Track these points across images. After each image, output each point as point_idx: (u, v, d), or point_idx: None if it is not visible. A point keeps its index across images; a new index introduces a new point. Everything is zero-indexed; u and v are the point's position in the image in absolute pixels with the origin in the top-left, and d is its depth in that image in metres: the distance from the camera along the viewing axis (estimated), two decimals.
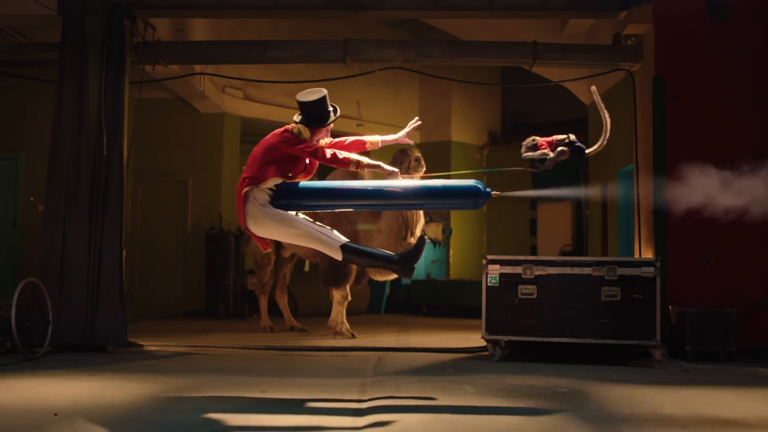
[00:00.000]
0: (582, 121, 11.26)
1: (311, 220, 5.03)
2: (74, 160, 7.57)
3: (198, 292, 11.72)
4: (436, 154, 13.33)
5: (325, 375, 5.94)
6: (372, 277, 8.70)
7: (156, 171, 11.76)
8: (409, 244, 8.07)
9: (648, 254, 7.62)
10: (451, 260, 14.21)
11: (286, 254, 9.66)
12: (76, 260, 7.39)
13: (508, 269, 6.79)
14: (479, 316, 6.83)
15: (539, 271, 6.75)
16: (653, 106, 7.66)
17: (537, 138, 5.63)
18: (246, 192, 4.88)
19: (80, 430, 3.98)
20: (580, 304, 6.65)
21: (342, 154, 4.96)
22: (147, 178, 11.67)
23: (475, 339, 7.55)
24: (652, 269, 6.58)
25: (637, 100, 8.08)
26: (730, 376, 6.05)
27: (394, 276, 8.60)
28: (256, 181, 4.89)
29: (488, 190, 4.96)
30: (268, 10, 8.35)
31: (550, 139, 5.54)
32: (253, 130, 13.12)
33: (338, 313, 8.63)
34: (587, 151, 5.63)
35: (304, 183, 5.05)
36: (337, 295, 8.63)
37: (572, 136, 5.53)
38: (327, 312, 8.88)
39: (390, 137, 5.30)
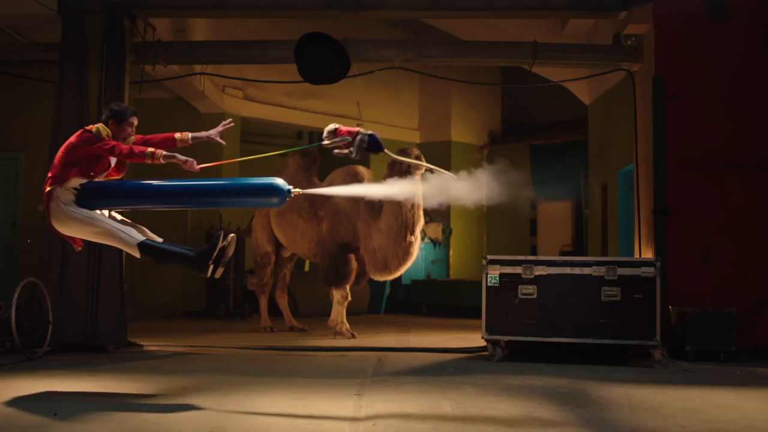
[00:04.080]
0: (582, 121, 11.27)
1: (120, 218, 5.16)
2: None
3: (198, 292, 11.71)
4: (436, 154, 13.31)
5: (325, 375, 5.94)
6: (372, 277, 8.70)
7: (156, 171, 11.75)
8: (409, 243, 8.07)
9: (648, 254, 7.62)
10: (451, 260, 14.20)
11: (286, 254, 9.66)
12: (76, 260, 7.39)
13: (508, 269, 6.79)
14: (479, 316, 6.83)
15: (539, 271, 6.74)
16: (653, 106, 7.66)
17: (339, 126, 5.76)
18: (49, 191, 4.99)
19: (80, 430, 3.98)
20: (580, 304, 6.65)
21: (138, 148, 5.03)
22: (147, 177, 11.60)
23: (475, 339, 7.55)
24: (652, 269, 6.57)
25: (637, 100, 8.08)
26: (730, 376, 6.05)
27: (394, 276, 8.59)
28: (59, 180, 5.00)
29: (288, 188, 4.99)
30: (268, 10, 8.36)
31: (352, 129, 5.65)
32: (253, 130, 13.13)
33: (338, 313, 8.63)
34: (391, 154, 5.86)
35: (107, 182, 5.16)
36: (337, 295, 8.63)
37: (371, 132, 5.67)
38: (327, 312, 8.88)
39: (201, 134, 5.35)
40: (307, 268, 13.20)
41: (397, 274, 8.54)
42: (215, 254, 4.99)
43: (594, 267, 6.69)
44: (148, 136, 5.32)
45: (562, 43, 8.95)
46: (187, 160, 5.04)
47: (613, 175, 9.52)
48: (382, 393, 5.02)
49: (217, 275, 5.13)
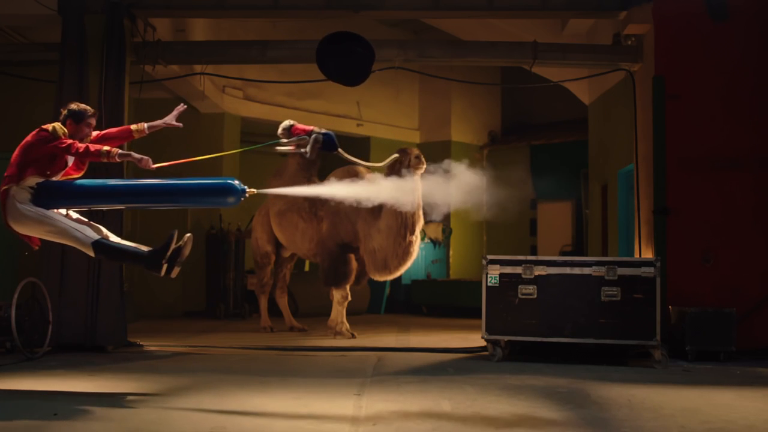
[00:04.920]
0: (582, 121, 11.27)
1: (76, 216, 5.19)
2: None
3: (198, 292, 11.71)
4: (436, 155, 13.29)
5: (325, 375, 5.94)
6: (372, 277, 8.70)
7: (156, 171, 11.73)
8: (409, 243, 8.07)
9: (648, 254, 7.62)
10: (451, 260, 14.20)
11: (286, 254, 9.66)
12: (76, 260, 7.39)
13: (508, 269, 6.79)
14: (479, 316, 6.83)
15: (539, 271, 6.74)
16: (653, 106, 7.66)
17: (294, 122, 5.77)
18: (5, 190, 5.02)
19: (80, 430, 3.98)
20: (580, 304, 6.64)
21: (94, 146, 5.07)
22: (147, 177, 11.63)
23: (475, 339, 7.55)
24: (652, 269, 6.57)
25: (637, 100, 8.07)
26: (730, 376, 6.05)
27: (394, 275, 8.59)
28: (15, 179, 5.03)
29: (243, 187, 5.02)
30: (268, 10, 8.36)
31: (308, 127, 5.66)
32: (253, 130, 13.13)
33: (338, 313, 8.63)
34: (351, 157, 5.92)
35: (63, 182, 5.18)
36: (337, 295, 8.63)
37: (327, 131, 5.68)
38: (327, 312, 8.88)
39: (157, 122, 5.41)
40: (307, 268, 13.19)
41: (397, 274, 8.53)
42: (168, 254, 5.03)
43: (594, 267, 6.69)
44: (105, 131, 5.38)
45: (562, 43, 8.95)
46: (141, 158, 5.10)
47: (613, 175, 9.52)
48: (382, 393, 5.02)
49: (173, 275, 5.17)
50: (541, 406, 4.60)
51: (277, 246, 9.52)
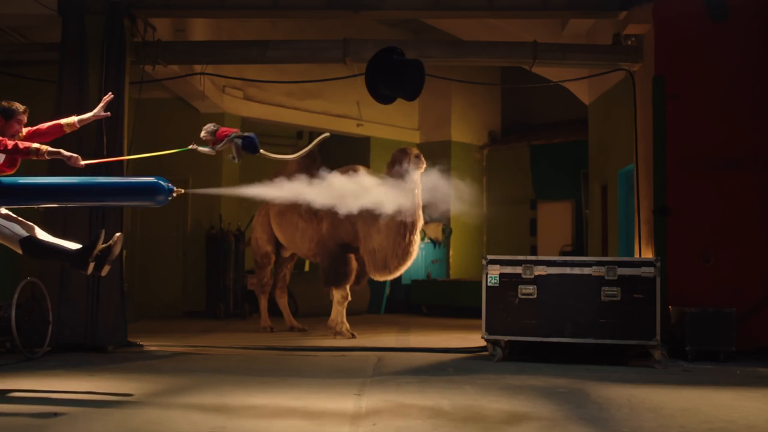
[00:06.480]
0: (582, 121, 11.27)
1: (5, 212, 5.19)
2: None
3: (198, 292, 11.71)
4: (436, 155, 13.30)
5: (325, 375, 5.94)
6: (372, 277, 8.70)
7: (156, 171, 11.71)
8: (409, 243, 8.07)
9: (648, 254, 7.62)
10: (451, 260, 14.19)
11: (286, 254, 9.66)
12: None
13: (508, 269, 6.79)
14: (479, 316, 6.83)
15: (539, 271, 6.74)
16: (653, 106, 7.66)
17: (219, 127, 5.82)
18: None
19: (80, 430, 3.98)
20: (580, 304, 6.64)
21: (24, 144, 5.07)
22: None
23: (475, 339, 7.55)
24: (652, 269, 6.57)
25: (637, 100, 8.07)
26: (730, 376, 6.05)
27: (394, 275, 8.59)
28: None
29: (171, 187, 5.05)
30: (268, 10, 8.36)
31: (229, 130, 5.72)
32: (253, 130, 13.10)
33: (338, 313, 8.63)
34: (270, 155, 5.95)
35: None
36: (337, 295, 8.63)
37: (248, 133, 5.73)
38: (327, 312, 8.88)
39: (86, 115, 5.43)
40: (307, 268, 13.19)
41: (397, 274, 8.53)
42: (96, 253, 5.04)
43: (594, 267, 6.69)
44: (35, 127, 5.39)
45: (562, 43, 8.94)
46: (71, 156, 5.10)
47: (613, 175, 9.52)
48: (382, 393, 5.02)
49: (103, 273, 5.20)
50: (541, 406, 4.60)
51: (277, 246, 9.53)
